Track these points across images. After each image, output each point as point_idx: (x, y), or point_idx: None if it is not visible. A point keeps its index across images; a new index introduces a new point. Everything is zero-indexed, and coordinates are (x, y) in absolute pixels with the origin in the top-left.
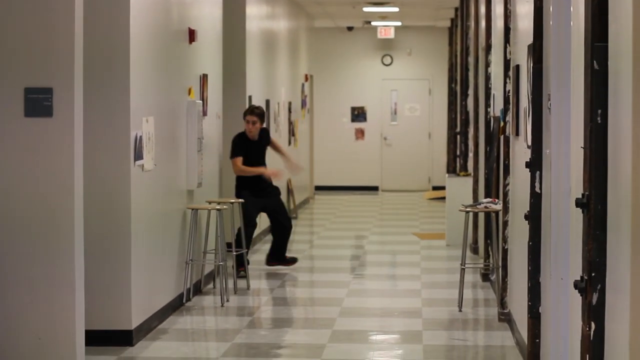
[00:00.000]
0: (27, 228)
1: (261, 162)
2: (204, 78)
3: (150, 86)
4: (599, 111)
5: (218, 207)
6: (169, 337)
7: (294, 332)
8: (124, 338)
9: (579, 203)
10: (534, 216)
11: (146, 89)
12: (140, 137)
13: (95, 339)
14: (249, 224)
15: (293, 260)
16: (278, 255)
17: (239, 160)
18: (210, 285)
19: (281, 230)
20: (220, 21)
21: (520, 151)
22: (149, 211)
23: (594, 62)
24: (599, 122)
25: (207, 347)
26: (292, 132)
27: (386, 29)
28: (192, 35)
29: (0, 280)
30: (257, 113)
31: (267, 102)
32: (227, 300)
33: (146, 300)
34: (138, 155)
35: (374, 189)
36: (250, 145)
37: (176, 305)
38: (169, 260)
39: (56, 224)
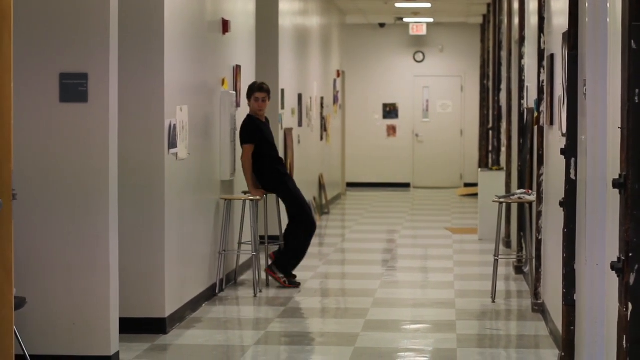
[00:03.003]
0: (62, 214)
1: (275, 145)
2: (237, 69)
3: (184, 75)
4: (637, 90)
5: (252, 197)
6: (203, 325)
7: (327, 321)
8: (157, 326)
9: (616, 184)
10: (569, 203)
11: (180, 78)
12: (174, 125)
13: (129, 326)
14: (311, 227)
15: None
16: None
17: (250, 149)
18: (244, 277)
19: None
20: (254, 16)
21: (555, 140)
22: (182, 200)
23: (632, 41)
24: (637, 101)
25: (241, 335)
26: (324, 128)
27: (418, 26)
28: (225, 25)
29: (36, 266)
30: (267, 89)
31: (300, 96)
32: (260, 291)
33: (179, 289)
34: (172, 144)
35: (406, 185)
36: (264, 128)
37: (209, 295)
38: (202, 250)
39: (91, 210)
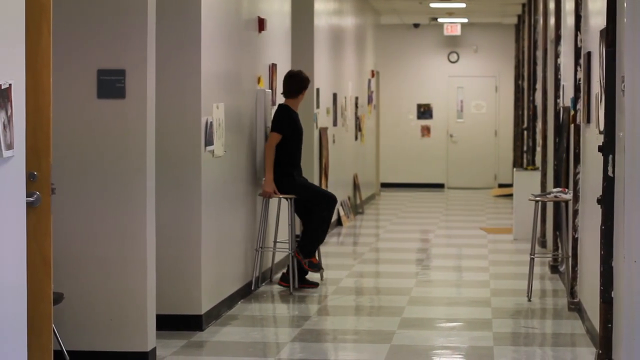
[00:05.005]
0: (99, 210)
1: (302, 140)
2: (272, 67)
3: (220, 72)
4: None
5: (288, 195)
6: (239, 322)
7: (364, 319)
8: (194, 323)
9: None
10: (607, 200)
11: (217, 75)
12: (211, 123)
13: (166, 323)
14: (330, 201)
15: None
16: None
17: (277, 138)
18: (279, 274)
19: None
20: (289, 16)
21: (592, 138)
22: (219, 197)
23: None
24: None
25: (277, 332)
26: (358, 128)
27: (452, 26)
28: (261, 24)
29: (73, 262)
30: None
31: (335, 96)
32: (296, 289)
33: (216, 286)
34: (208, 141)
35: (440, 186)
36: (298, 121)
37: (245, 293)
38: (238, 248)
39: (128, 206)
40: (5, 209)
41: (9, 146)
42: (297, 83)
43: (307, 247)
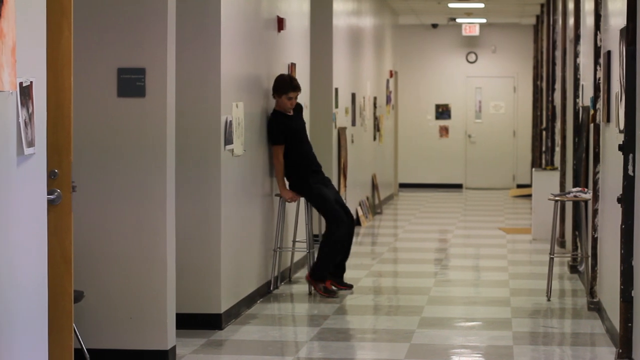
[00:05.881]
0: (119, 208)
1: (306, 139)
2: (292, 67)
3: (240, 71)
4: None
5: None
6: (258, 322)
7: (383, 318)
8: (213, 322)
9: None
10: (627, 199)
11: (236, 74)
12: (230, 121)
13: (185, 321)
14: (341, 223)
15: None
16: (335, 271)
17: (280, 150)
18: (298, 274)
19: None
20: (308, 16)
21: (612, 137)
22: (238, 196)
23: None
24: None
25: (296, 331)
26: (377, 128)
27: (471, 26)
28: (280, 23)
29: (93, 260)
30: (300, 87)
31: (353, 96)
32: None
33: (235, 285)
34: (228, 140)
35: (458, 186)
36: (291, 124)
37: (264, 292)
38: (257, 247)
39: (148, 205)
40: (26, 206)
41: (30, 144)
42: (277, 83)
43: (318, 271)
